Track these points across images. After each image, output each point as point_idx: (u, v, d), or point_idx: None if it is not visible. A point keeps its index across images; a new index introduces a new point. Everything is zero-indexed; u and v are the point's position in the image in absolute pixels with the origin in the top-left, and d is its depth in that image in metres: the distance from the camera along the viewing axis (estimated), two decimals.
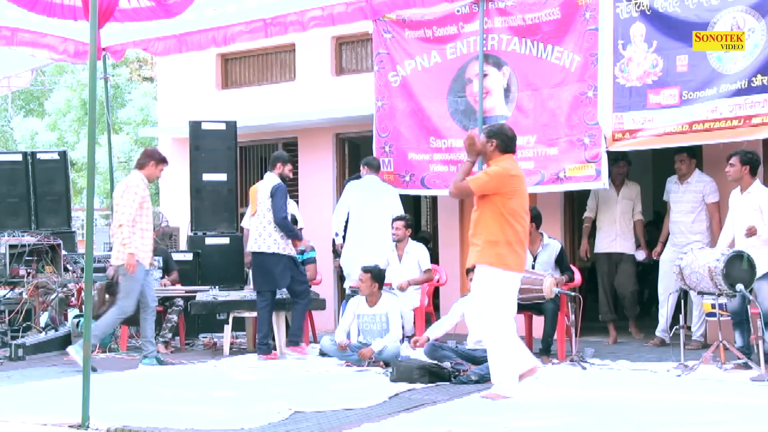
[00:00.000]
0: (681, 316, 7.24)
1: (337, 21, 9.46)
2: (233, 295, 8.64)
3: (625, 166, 8.93)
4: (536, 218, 8.03)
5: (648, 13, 8.03)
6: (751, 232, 6.89)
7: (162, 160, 7.94)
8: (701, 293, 7.11)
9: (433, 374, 6.55)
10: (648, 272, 10.11)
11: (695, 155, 8.43)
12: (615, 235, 8.92)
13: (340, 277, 10.09)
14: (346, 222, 9.06)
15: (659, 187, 8.97)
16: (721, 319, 7.58)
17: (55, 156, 10.75)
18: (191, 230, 10.27)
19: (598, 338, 8.95)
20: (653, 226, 10.99)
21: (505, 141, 6.03)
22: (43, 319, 9.31)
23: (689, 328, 8.23)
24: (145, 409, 5.59)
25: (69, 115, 24.74)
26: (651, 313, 9.67)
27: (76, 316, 8.92)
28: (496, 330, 5.93)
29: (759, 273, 6.72)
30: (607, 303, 9.01)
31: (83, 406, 5.14)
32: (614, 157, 8.66)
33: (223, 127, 10.29)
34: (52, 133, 24.80)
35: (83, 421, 5.11)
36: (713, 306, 7.51)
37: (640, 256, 8.86)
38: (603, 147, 8.19)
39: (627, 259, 8.94)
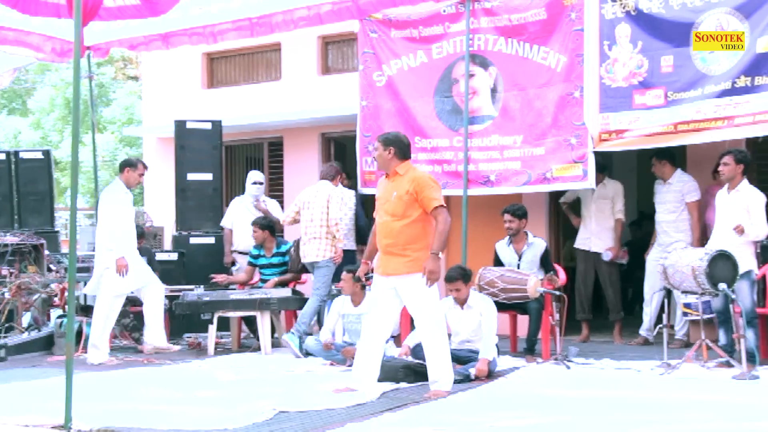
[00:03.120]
0: (664, 315, 7.28)
1: (324, 20, 9.44)
2: (218, 295, 8.61)
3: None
4: (525, 216, 8.06)
5: (633, 13, 8.06)
6: (740, 231, 6.93)
7: (344, 176, 9.34)
8: (685, 292, 7.14)
9: (417, 373, 6.54)
10: (632, 272, 10.15)
11: (672, 157, 8.43)
12: (590, 233, 8.90)
13: None
14: None
15: (643, 187, 8.98)
16: (690, 318, 7.68)
17: (39, 155, 10.69)
18: (176, 230, 10.24)
19: (591, 338, 8.99)
20: (636, 226, 11.05)
21: (402, 148, 6.20)
22: (26, 319, 9.24)
23: (672, 327, 8.26)
24: (129, 410, 5.57)
25: (53, 113, 24.60)
26: (635, 313, 9.70)
27: (59, 317, 8.87)
28: (442, 332, 6.18)
29: (740, 272, 6.76)
30: (581, 301, 9.01)
31: (66, 407, 5.11)
32: None
33: (208, 126, 10.26)
34: (36, 132, 24.66)
35: (66, 422, 5.07)
36: (685, 305, 7.63)
37: (607, 256, 8.81)
38: (590, 147, 8.20)
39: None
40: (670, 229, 8.35)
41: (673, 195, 8.35)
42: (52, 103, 24.61)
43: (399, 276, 6.05)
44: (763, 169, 8.64)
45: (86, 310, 9.48)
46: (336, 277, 8.30)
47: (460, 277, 7.08)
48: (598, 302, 9.19)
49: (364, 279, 6.68)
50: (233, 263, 9.83)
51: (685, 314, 7.95)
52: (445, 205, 6.06)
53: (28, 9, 8.75)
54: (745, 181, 7.19)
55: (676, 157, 8.49)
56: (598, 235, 8.86)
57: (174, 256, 9.80)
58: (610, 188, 8.85)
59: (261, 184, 9.87)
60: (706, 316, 7.21)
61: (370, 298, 7.70)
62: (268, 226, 9.05)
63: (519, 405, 5.63)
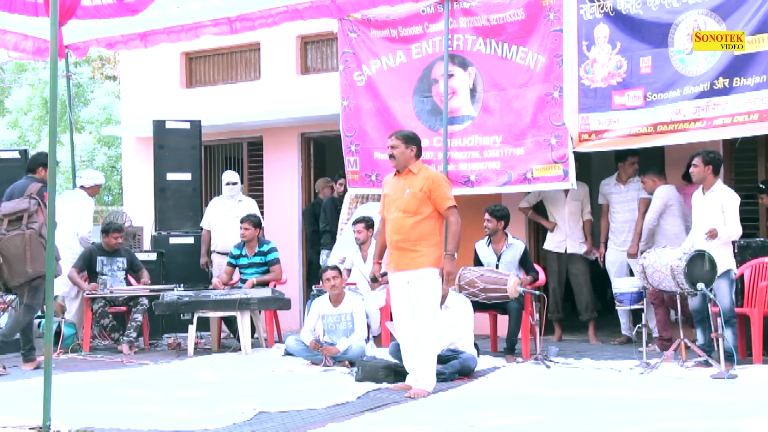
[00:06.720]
0: (643, 315, 7.31)
1: (304, 16, 9.42)
2: (197, 296, 8.56)
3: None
4: (505, 217, 8.07)
5: (611, 14, 8.10)
6: (712, 235, 6.98)
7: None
8: (663, 292, 7.19)
9: (398, 374, 6.54)
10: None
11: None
12: (564, 235, 8.96)
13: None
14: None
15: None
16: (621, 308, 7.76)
17: (16, 155, 10.56)
18: (155, 230, 10.20)
19: (563, 337, 9.02)
20: None
21: (420, 147, 6.39)
22: (3, 320, 9.16)
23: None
24: (108, 411, 5.53)
25: (30, 113, 24.40)
26: (614, 312, 9.73)
27: (37, 317, 8.78)
28: (435, 330, 6.24)
29: (719, 272, 6.81)
30: (556, 302, 9.06)
31: (44, 408, 5.06)
32: None
33: (187, 126, 10.23)
34: (13, 131, 24.44)
35: (44, 423, 5.03)
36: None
37: (593, 256, 8.94)
38: (570, 147, 8.24)
39: (578, 259, 8.98)
40: (630, 228, 8.54)
41: (633, 194, 8.59)
42: (30, 103, 24.41)
43: (411, 270, 6.16)
44: (741, 170, 8.72)
45: (63, 311, 9.42)
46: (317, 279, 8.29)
47: None
48: (571, 303, 9.25)
49: (380, 278, 6.69)
50: (207, 265, 9.76)
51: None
52: (456, 205, 6.20)
53: (5, 6, 8.68)
54: (719, 182, 7.21)
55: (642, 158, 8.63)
56: (572, 237, 8.96)
57: (153, 256, 9.76)
58: (581, 190, 8.92)
59: (235, 184, 9.82)
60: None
61: (349, 299, 7.73)
62: (260, 224, 9.05)
63: (499, 404, 5.64)
